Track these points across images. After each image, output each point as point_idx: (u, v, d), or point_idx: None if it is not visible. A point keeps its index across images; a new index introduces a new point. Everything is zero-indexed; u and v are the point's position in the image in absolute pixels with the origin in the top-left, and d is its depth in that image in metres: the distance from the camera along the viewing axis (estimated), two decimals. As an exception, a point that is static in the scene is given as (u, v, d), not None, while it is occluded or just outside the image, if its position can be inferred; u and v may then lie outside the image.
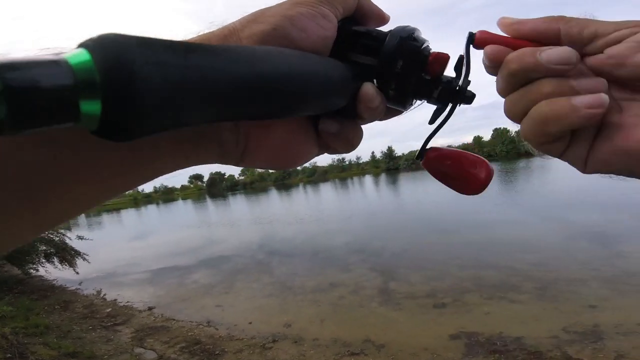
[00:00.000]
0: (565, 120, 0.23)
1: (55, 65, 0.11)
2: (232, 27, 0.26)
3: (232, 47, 0.19)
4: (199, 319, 4.70)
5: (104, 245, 12.20)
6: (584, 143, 0.25)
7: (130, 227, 22.04)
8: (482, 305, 4.12)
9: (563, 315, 3.57)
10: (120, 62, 0.13)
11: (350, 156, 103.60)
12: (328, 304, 4.81)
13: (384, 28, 0.31)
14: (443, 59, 0.28)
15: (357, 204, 18.23)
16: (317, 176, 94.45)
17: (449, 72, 0.29)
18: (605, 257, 5.48)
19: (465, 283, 4.88)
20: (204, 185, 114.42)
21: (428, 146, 0.31)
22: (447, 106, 0.29)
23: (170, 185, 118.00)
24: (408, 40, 0.28)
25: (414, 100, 0.30)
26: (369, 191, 28.50)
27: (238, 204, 33.69)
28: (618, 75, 0.24)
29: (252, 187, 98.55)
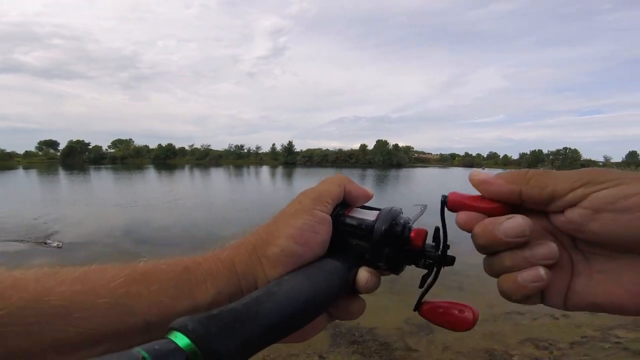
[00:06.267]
0: (517, 295, 0.28)
1: (179, 354, 0.21)
2: (254, 244, 0.33)
3: (265, 308, 0.27)
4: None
5: None
6: (557, 297, 0.29)
7: None
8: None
9: (406, 307, 4.14)
10: (205, 340, 0.22)
11: (250, 144, 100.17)
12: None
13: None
14: (422, 234, 0.35)
15: (252, 194, 17.94)
16: (209, 160, 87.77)
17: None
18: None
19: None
20: (58, 154, 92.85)
21: (423, 300, 0.35)
22: (432, 269, 0.35)
23: (9, 150, 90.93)
24: (390, 228, 0.34)
25: (404, 266, 0.36)
26: (264, 181, 28.35)
27: (102, 180, 28.68)
28: (579, 237, 0.28)
29: (123, 162, 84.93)
